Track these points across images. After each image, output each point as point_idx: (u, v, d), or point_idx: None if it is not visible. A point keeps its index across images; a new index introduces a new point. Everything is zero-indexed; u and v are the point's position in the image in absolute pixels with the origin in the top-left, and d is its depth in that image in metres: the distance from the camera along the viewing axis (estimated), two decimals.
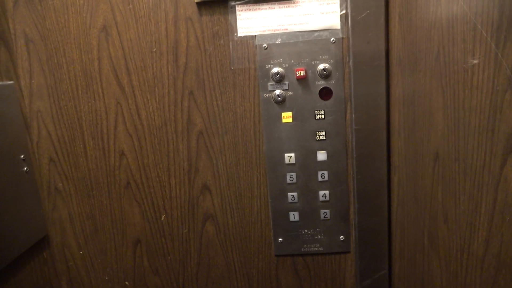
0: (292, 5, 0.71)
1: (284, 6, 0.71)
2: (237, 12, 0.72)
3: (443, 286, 0.58)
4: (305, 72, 0.73)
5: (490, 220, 0.45)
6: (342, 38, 0.72)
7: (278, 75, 0.73)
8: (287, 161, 0.77)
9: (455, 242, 0.53)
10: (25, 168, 0.75)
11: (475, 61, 0.44)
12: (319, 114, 0.75)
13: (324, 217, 0.79)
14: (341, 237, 0.80)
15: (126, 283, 0.86)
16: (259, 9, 0.72)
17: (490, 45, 0.41)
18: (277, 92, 0.74)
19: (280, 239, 0.81)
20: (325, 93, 0.74)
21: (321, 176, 0.77)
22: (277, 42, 0.73)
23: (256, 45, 0.73)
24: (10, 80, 0.75)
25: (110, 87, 0.76)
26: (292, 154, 0.77)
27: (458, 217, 0.51)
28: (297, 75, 0.72)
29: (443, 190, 0.55)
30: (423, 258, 0.64)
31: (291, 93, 0.74)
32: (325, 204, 0.78)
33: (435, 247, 0.59)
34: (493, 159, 0.43)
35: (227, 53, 0.74)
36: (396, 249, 0.76)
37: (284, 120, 0.75)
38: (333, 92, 0.74)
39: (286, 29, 0.72)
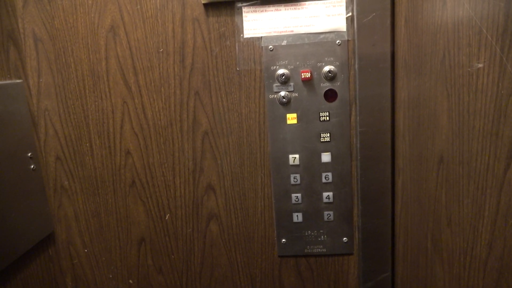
0: (298, 7, 0.72)
1: (290, 8, 0.72)
2: (244, 14, 0.72)
3: None
4: (311, 74, 0.73)
5: (493, 223, 0.45)
6: (348, 40, 0.72)
7: (283, 77, 0.73)
8: (291, 162, 0.77)
9: (458, 245, 0.53)
10: (32, 166, 0.76)
11: (480, 65, 0.44)
12: (324, 116, 0.75)
13: (327, 218, 0.79)
14: (344, 238, 0.80)
15: (130, 281, 0.86)
16: (266, 10, 0.72)
17: (495, 49, 0.41)
18: (282, 93, 0.74)
19: (283, 240, 0.81)
20: (330, 95, 0.74)
21: (325, 178, 0.77)
22: (283, 44, 0.73)
23: (262, 46, 0.74)
24: (19, 78, 0.76)
25: (117, 86, 0.77)
26: (297, 156, 0.77)
27: (462, 220, 0.51)
28: (303, 76, 0.73)
29: (447, 193, 0.55)
30: (426, 261, 0.64)
31: (296, 94, 0.75)
32: (328, 205, 0.79)
33: (438, 250, 0.59)
34: (497, 162, 0.43)
35: (233, 54, 0.74)
36: (399, 251, 0.76)
37: (289, 122, 0.76)
38: (338, 94, 0.74)
39: (292, 31, 0.73)
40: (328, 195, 0.78)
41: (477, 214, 0.48)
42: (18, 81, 0.75)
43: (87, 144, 0.80)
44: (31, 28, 0.75)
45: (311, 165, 0.77)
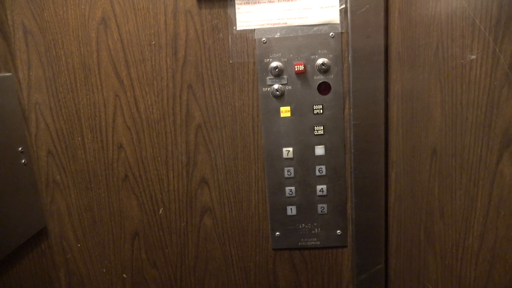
0: None
1: (284, 0, 0.71)
2: (237, 6, 0.72)
3: (438, 280, 0.58)
4: (304, 66, 0.73)
5: (486, 214, 0.45)
6: (342, 32, 0.72)
7: (277, 69, 0.73)
8: (285, 155, 0.77)
9: (450, 236, 0.53)
10: (23, 161, 0.75)
11: (473, 57, 0.44)
12: (318, 109, 0.75)
13: (321, 211, 0.79)
14: (338, 231, 0.80)
15: (124, 275, 0.86)
16: (259, 2, 0.71)
17: (488, 41, 0.41)
18: (276, 86, 0.74)
19: (277, 233, 0.81)
20: (324, 88, 0.74)
21: (319, 171, 0.77)
22: (276, 36, 0.72)
23: (255, 39, 0.73)
24: (8, 72, 0.75)
25: (109, 79, 0.76)
26: (290, 149, 0.77)
27: (454, 212, 0.52)
28: (296, 69, 0.72)
29: (440, 185, 0.55)
30: (419, 253, 0.64)
31: (290, 87, 0.74)
32: (322, 198, 0.79)
33: (431, 241, 0.59)
34: (489, 154, 0.43)
35: (226, 47, 0.74)
36: (392, 243, 0.76)
37: (282, 115, 0.76)
38: (331, 87, 0.74)
39: (286, 23, 0.72)
40: (322, 188, 0.78)
41: (469, 205, 0.48)
42: (7, 74, 0.74)
43: (79, 138, 0.79)
44: (20, 20, 0.74)
45: (305, 158, 0.77)
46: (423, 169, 0.60)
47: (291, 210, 0.80)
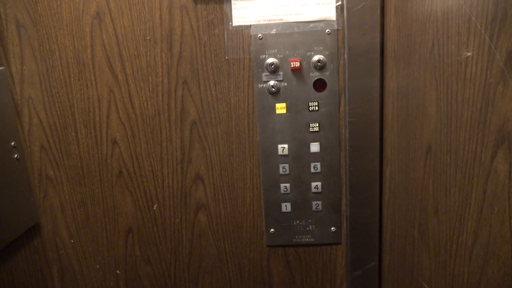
0: None
1: None
2: (232, 1, 0.71)
3: (432, 277, 0.58)
4: (300, 63, 0.72)
5: (480, 211, 0.45)
6: (338, 29, 0.72)
7: (272, 66, 0.73)
8: (280, 152, 0.77)
9: (444, 233, 0.53)
10: (16, 156, 0.75)
11: (469, 54, 0.44)
12: (313, 106, 0.75)
13: (316, 208, 0.79)
14: (333, 228, 0.80)
15: (118, 271, 0.86)
16: None
17: (484, 38, 0.41)
18: (272, 83, 0.74)
19: (272, 230, 0.81)
20: (319, 85, 0.74)
21: (314, 168, 0.77)
22: (272, 33, 0.72)
23: (251, 35, 0.73)
24: (1, 66, 0.74)
25: (103, 74, 0.75)
26: (285, 145, 0.77)
27: (448, 208, 0.52)
28: (292, 66, 0.72)
29: (434, 182, 0.55)
30: (413, 250, 0.64)
31: (286, 84, 0.74)
32: (317, 195, 0.79)
33: (425, 238, 0.59)
34: (484, 151, 0.44)
35: (221, 43, 0.73)
36: (386, 240, 0.77)
37: (278, 111, 0.75)
38: (327, 84, 0.74)
39: (282, 19, 0.72)
40: (317, 185, 0.78)
41: (463, 202, 0.48)
42: (0, 68, 0.73)
43: (73, 134, 0.78)
44: (13, 13, 0.73)
45: (300, 155, 0.77)
46: (417, 166, 0.60)
47: (286, 207, 0.80)
